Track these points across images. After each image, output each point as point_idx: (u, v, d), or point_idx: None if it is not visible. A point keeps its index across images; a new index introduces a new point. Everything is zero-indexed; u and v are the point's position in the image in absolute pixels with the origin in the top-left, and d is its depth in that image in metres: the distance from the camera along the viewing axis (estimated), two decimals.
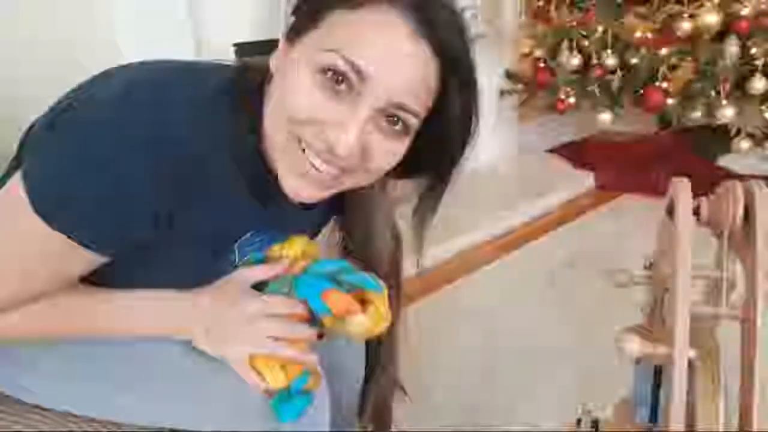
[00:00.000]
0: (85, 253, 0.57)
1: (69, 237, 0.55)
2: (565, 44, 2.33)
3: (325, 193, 0.59)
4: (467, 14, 0.58)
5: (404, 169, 0.61)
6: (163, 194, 0.55)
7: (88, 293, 0.64)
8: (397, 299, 0.76)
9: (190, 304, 0.66)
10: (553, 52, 2.41)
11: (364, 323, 0.64)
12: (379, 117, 0.55)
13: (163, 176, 0.54)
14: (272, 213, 0.65)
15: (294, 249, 0.71)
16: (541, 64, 2.42)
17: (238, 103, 0.59)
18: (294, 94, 0.54)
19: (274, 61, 0.59)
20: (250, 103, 0.60)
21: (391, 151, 0.57)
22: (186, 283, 0.67)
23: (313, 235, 0.78)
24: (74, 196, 0.53)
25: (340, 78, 0.53)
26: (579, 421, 0.78)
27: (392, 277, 0.75)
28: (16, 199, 0.54)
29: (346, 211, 0.75)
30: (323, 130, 0.54)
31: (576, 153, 2.75)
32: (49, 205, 0.54)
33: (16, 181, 0.55)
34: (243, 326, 0.65)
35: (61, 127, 0.54)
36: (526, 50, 2.50)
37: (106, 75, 0.60)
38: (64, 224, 0.54)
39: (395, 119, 0.55)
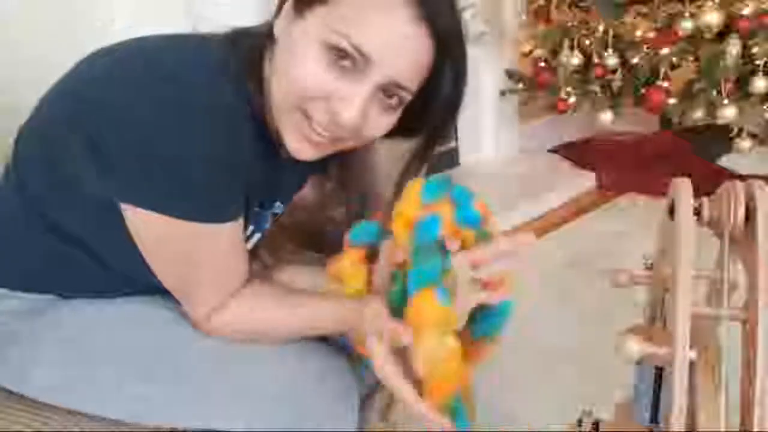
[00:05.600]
0: (232, 226, 0.63)
1: (210, 222, 0.60)
2: (565, 44, 2.33)
3: (323, 153, 0.66)
4: (467, 13, 0.59)
5: (394, 133, 0.67)
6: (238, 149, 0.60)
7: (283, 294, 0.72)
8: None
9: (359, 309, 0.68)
10: (554, 52, 2.40)
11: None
12: (378, 92, 0.61)
13: (226, 135, 0.58)
14: (273, 169, 0.71)
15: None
16: (542, 64, 2.42)
17: (241, 66, 0.63)
18: (302, 68, 0.59)
19: (278, 26, 0.62)
20: (251, 65, 0.64)
21: (384, 122, 0.64)
22: None
23: (298, 188, 0.82)
24: (200, 184, 0.58)
25: (346, 56, 0.58)
26: (580, 421, 0.77)
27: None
28: (165, 226, 0.58)
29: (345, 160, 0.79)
30: (328, 103, 0.60)
31: (577, 153, 2.74)
32: (200, 208, 0.59)
33: (139, 214, 0.58)
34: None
35: (126, 130, 0.55)
36: (527, 50, 2.49)
37: (111, 61, 0.61)
38: (215, 213, 0.60)
39: (391, 95, 0.61)
